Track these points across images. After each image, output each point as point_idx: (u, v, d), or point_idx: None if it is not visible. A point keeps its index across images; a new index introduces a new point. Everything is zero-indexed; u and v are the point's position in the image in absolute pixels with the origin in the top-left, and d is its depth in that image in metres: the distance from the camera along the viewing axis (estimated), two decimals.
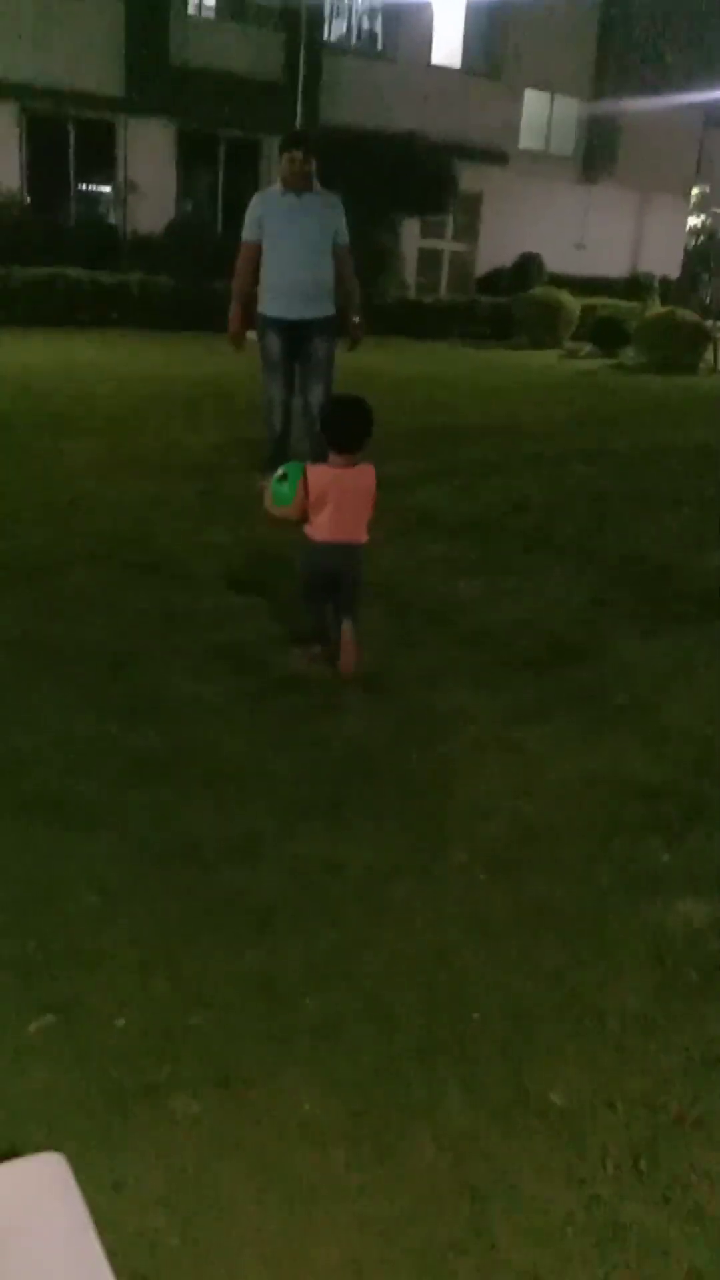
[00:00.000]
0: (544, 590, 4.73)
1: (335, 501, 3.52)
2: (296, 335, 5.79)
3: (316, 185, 5.70)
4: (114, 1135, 1.73)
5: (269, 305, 5.78)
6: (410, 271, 21.52)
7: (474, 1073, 1.92)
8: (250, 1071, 1.88)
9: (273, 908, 2.35)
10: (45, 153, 17.57)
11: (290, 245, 5.65)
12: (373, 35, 20.84)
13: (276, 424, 6.03)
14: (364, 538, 3.66)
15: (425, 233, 21.85)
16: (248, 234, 5.76)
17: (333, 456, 3.57)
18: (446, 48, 21.58)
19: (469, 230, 22.96)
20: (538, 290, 19.69)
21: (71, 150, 17.91)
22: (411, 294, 20.32)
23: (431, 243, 22.30)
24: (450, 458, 7.76)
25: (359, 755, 3.08)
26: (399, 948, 2.25)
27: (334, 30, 20.21)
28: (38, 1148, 1.24)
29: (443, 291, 22.17)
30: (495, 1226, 1.63)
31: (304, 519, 3.59)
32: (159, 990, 2.06)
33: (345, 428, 3.57)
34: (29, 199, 17.29)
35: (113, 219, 18.28)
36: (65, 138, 17.77)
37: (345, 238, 5.79)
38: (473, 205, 22.35)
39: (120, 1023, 1.97)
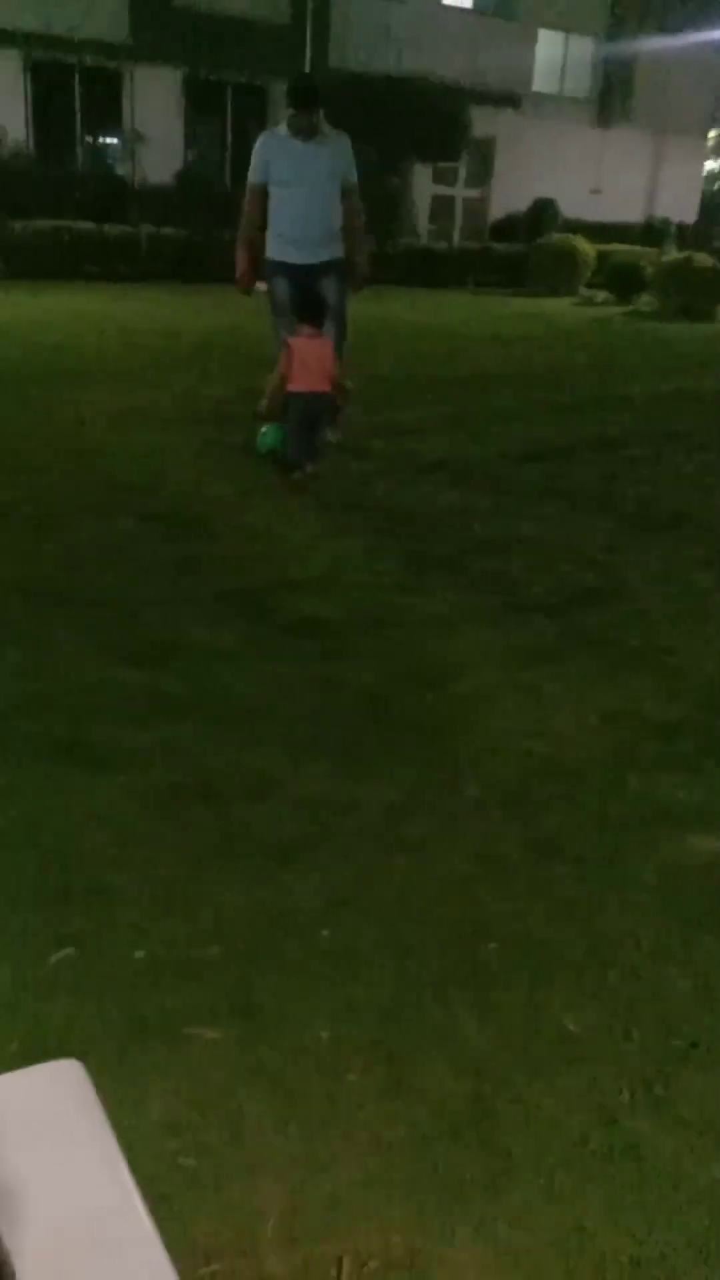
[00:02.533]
0: (558, 535, 4.70)
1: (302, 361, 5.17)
2: (306, 279, 5.71)
3: (325, 128, 5.59)
4: (134, 1061, 1.75)
5: (277, 250, 5.70)
6: (422, 219, 21.21)
7: (490, 1001, 1.93)
8: (268, 1000, 1.90)
9: (288, 845, 2.36)
10: (51, 103, 17.34)
11: (298, 190, 5.56)
12: None
13: None
14: (325, 387, 5.24)
15: (437, 179, 21.51)
16: (253, 177, 5.66)
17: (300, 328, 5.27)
18: None
19: (482, 176, 22.59)
20: (553, 237, 19.38)
21: (78, 100, 17.66)
22: (424, 241, 20.03)
23: (443, 189, 21.95)
24: (464, 405, 7.69)
25: (372, 697, 3.08)
26: (414, 881, 2.26)
27: None
28: None
29: (456, 239, 21.84)
30: (511, 1148, 1.64)
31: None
32: (176, 924, 2.08)
33: None
34: (35, 150, 17.07)
35: (120, 169, 18.04)
36: (71, 87, 17.52)
37: (354, 179, 5.69)
38: (486, 150, 21.97)
39: (139, 954, 1.99)
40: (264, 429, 5.66)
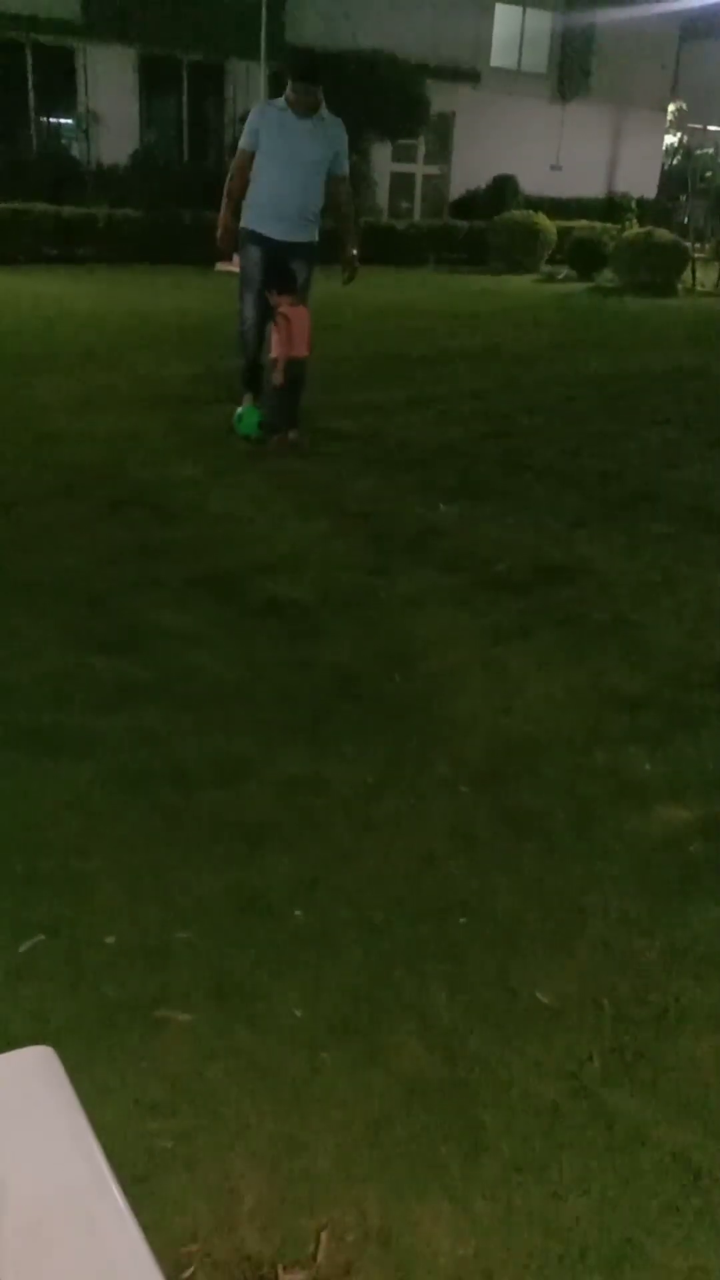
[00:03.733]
0: (524, 512, 4.72)
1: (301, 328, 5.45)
2: (276, 256, 5.67)
3: (324, 112, 5.54)
4: (108, 1046, 1.76)
5: (252, 219, 5.65)
6: (383, 196, 21.08)
7: (462, 975, 1.95)
8: (241, 981, 1.91)
9: (259, 826, 2.36)
10: (3, 83, 17.02)
11: (280, 165, 5.50)
12: None
13: (251, 344, 5.92)
14: (305, 352, 5.51)
15: (396, 156, 21.35)
16: (243, 142, 5.62)
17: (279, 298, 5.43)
18: None
19: (441, 153, 22.46)
20: (514, 213, 19.32)
21: (30, 80, 17.34)
22: (384, 219, 19.90)
23: (403, 166, 21.81)
24: (428, 385, 7.68)
25: (341, 677, 3.09)
26: (385, 860, 2.27)
27: None
28: None
29: (416, 216, 21.72)
30: (484, 1119, 1.66)
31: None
32: (147, 908, 2.08)
33: None
34: None
35: (75, 151, 17.77)
36: (23, 67, 17.19)
37: (344, 167, 5.62)
38: (445, 127, 21.83)
39: (110, 940, 1.99)
40: (240, 411, 5.73)
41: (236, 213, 5.68)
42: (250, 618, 3.48)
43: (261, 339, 5.86)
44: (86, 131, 17.72)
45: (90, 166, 17.29)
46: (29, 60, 17.19)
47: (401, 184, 21.93)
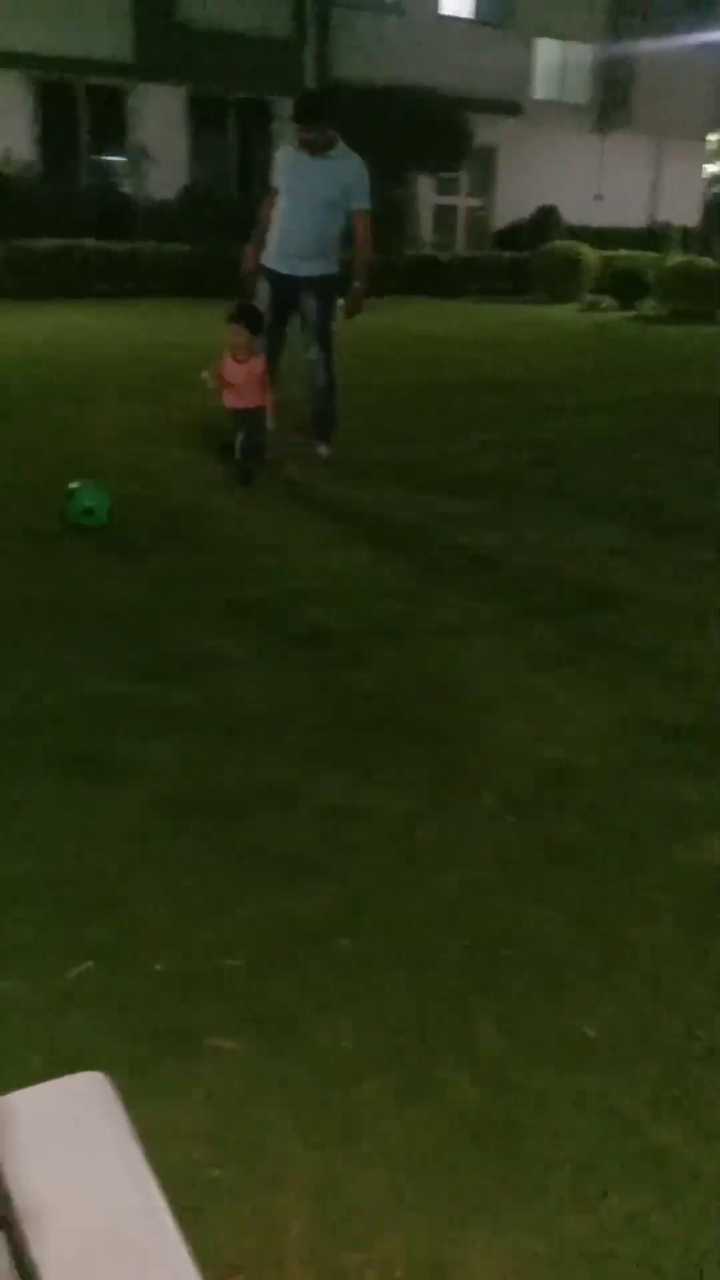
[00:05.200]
0: (565, 540, 4.71)
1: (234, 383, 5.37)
2: (290, 291, 5.77)
3: (338, 147, 5.63)
4: (155, 1073, 1.76)
5: (268, 256, 5.81)
6: (426, 229, 21.25)
7: (508, 1009, 1.93)
8: (287, 1011, 1.90)
9: (303, 855, 2.36)
10: (56, 122, 17.44)
11: (293, 202, 5.67)
12: None
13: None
14: (258, 402, 5.41)
15: (440, 189, 21.56)
16: (272, 180, 5.83)
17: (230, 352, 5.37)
18: None
19: (484, 185, 22.63)
20: (556, 243, 19.41)
21: (82, 119, 17.76)
22: (428, 251, 20.07)
23: (447, 199, 22.01)
24: (470, 412, 7.71)
25: (382, 705, 3.09)
26: (430, 890, 2.26)
27: None
28: None
29: (459, 248, 21.88)
30: (533, 1155, 1.64)
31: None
32: (194, 936, 2.09)
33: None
34: (41, 169, 17.18)
35: (125, 187, 18.13)
36: (76, 106, 17.62)
37: (363, 201, 5.69)
38: (487, 159, 22.02)
39: (158, 967, 2.00)
40: (73, 487, 4.65)
41: (263, 240, 5.81)
42: (292, 645, 3.50)
43: (273, 372, 5.93)
44: (136, 168, 18.08)
45: (140, 202, 17.63)
46: (81, 100, 17.61)
47: (444, 216, 22.11)
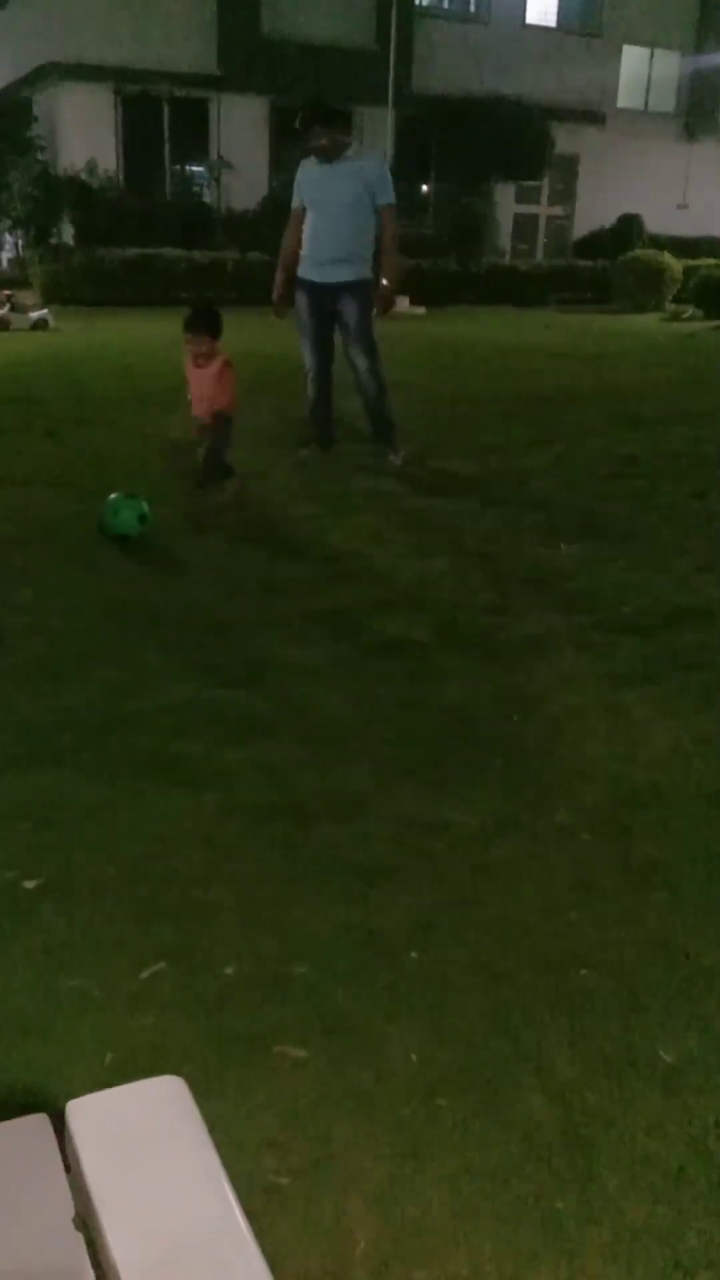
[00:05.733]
0: (648, 554, 4.64)
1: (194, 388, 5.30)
2: (326, 299, 5.79)
3: (351, 151, 5.70)
4: (224, 1078, 1.77)
5: (301, 268, 5.85)
6: (506, 238, 21.20)
7: (582, 1028, 1.90)
8: (356, 1021, 1.90)
9: (376, 865, 2.36)
10: (140, 134, 17.80)
11: (318, 211, 5.73)
12: None
13: (310, 391, 6.04)
14: (222, 404, 5.24)
15: (520, 198, 21.48)
16: (293, 201, 5.89)
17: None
18: (540, 6, 21.12)
19: (566, 194, 22.49)
20: (638, 252, 19.19)
21: (166, 130, 18.09)
22: (507, 260, 20.01)
23: (527, 208, 21.92)
24: (551, 423, 7.65)
25: (458, 718, 3.07)
26: (503, 906, 2.24)
27: None
28: None
29: (539, 257, 21.78)
30: (604, 1178, 1.62)
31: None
32: (266, 941, 2.10)
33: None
34: (125, 180, 17.52)
35: (207, 197, 18.41)
36: (160, 118, 17.96)
37: (387, 198, 5.71)
38: (569, 168, 21.89)
39: (229, 971, 2.01)
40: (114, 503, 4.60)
41: (288, 267, 5.84)
42: (368, 655, 3.50)
43: (323, 387, 5.96)
44: (218, 179, 18.33)
45: (221, 212, 17.88)
46: (165, 111, 17.93)
47: (525, 225, 22.02)
